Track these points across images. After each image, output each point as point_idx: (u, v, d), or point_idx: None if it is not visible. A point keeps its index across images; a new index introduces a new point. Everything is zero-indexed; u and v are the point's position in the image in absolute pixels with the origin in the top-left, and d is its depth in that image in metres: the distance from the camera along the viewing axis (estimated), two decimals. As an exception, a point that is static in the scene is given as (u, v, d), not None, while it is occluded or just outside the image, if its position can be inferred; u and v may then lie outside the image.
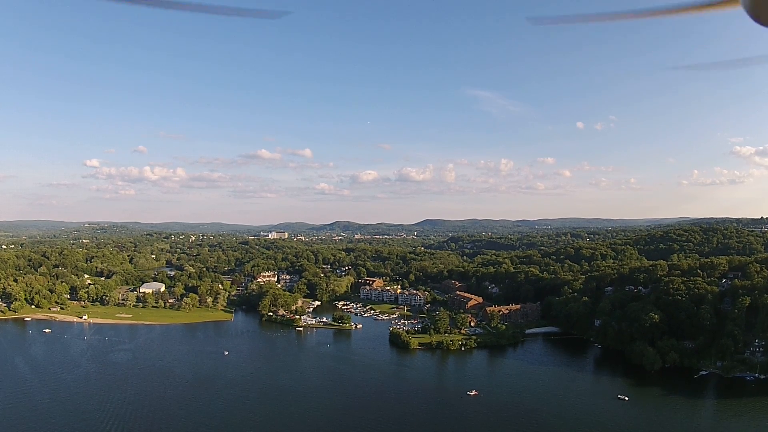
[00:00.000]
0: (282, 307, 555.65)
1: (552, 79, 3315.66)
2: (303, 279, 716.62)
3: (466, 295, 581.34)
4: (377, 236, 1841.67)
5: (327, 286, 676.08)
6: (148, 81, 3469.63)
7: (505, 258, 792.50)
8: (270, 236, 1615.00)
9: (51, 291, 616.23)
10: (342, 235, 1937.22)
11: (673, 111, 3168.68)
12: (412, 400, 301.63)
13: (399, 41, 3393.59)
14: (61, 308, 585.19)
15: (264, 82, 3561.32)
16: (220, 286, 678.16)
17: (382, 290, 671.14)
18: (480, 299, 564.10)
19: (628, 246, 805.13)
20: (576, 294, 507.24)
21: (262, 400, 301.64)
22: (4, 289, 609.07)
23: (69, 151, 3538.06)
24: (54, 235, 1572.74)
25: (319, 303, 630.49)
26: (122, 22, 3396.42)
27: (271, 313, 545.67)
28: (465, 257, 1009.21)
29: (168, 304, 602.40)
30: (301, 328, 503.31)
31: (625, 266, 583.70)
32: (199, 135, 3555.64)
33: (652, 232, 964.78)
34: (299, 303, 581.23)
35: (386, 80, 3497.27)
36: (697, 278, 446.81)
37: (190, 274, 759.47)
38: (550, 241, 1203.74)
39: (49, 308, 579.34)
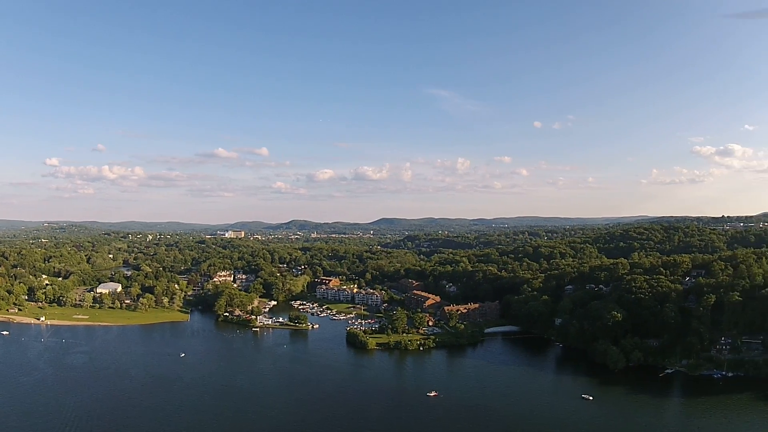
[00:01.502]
0: (238, 307, 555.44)
1: (509, 78, 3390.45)
2: (259, 278, 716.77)
3: (423, 294, 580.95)
4: (334, 235, 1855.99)
5: (283, 285, 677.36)
6: (108, 78, 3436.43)
7: (463, 257, 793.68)
8: (227, 235, 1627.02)
9: (9, 292, 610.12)
10: (298, 234, 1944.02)
11: (633, 111, 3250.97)
12: (370, 402, 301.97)
13: (357, 39, 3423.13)
14: (19, 309, 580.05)
15: (222, 79, 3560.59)
16: (176, 286, 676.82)
17: (338, 290, 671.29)
18: (438, 298, 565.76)
19: (587, 244, 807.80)
20: (536, 293, 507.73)
21: (219, 402, 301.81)
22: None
23: (30, 150, 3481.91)
24: (14, 235, 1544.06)
25: (275, 303, 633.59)
26: (83, 17, 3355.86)
27: (227, 314, 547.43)
28: (422, 256, 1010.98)
29: (124, 305, 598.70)
30: (258, 329, 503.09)
31: (585, 264, 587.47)
32: (159, 133, 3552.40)
33: (611, 231, 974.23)
34: (255, 303, 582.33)
35: (344, 78, 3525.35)
36: (660, 276, 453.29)
37: (146, 274, 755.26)
38: (508, 239, 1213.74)
39: (8, 310, 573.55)
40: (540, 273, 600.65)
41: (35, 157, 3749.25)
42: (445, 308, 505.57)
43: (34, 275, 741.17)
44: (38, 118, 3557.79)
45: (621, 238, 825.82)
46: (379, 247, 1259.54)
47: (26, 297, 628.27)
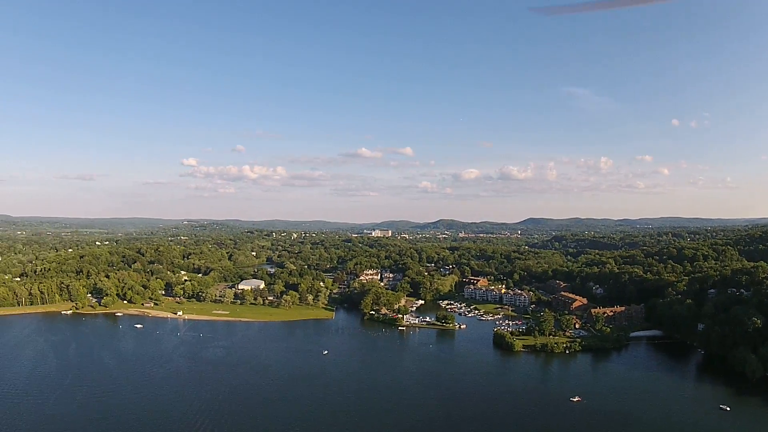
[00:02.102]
0: (384, 305, 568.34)
1: (643, 76, 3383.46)
2: (406, 277, 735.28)
3: (570, 295, 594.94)
4: (481, 235, 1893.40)
5: (431, 285, 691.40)
6: (244, 84, 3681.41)
7: (609, 258, 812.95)
8: (373, 234, 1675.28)
9: (144, 287, 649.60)
10: (446, 234, 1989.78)
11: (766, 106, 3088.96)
12: (513, 404, 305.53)
13: (494, 42, 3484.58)
14: (155, 304, 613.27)
15: (361, 84, 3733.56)
16: (321, 284, 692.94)
17: (486, 290, 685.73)
18: (584, 300, 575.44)
19: (728, 246, 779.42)
20: (679, 296, 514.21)
21: (360, 399, 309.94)
22: (95, 284, 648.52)
23: (166, 151, 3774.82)
24: (151, 233, 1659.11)
25: (422, 302, 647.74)
26: (215, 29, 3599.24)
27: (373, 312, 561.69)
28: (569, 257, 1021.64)
29: (267, 302, 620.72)
30: (404, 328, 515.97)
31: (727, 267, 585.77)
32: (296, 135, 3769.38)
33: (751, 233, 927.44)
34: (402, 302, 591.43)
35: (484, 81, 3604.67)
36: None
37: (291, 271, 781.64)
38: (652, 240, 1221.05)
39: (142, 304, 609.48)
40: (684, 275, 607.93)
41: (172, 158, 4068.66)
42: (592, 311, 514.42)
43: (172, 271, 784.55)
44: (174, 122, 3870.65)
45: (760, 240, 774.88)
46: (526, 247, 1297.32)
47: (163, 292, 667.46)
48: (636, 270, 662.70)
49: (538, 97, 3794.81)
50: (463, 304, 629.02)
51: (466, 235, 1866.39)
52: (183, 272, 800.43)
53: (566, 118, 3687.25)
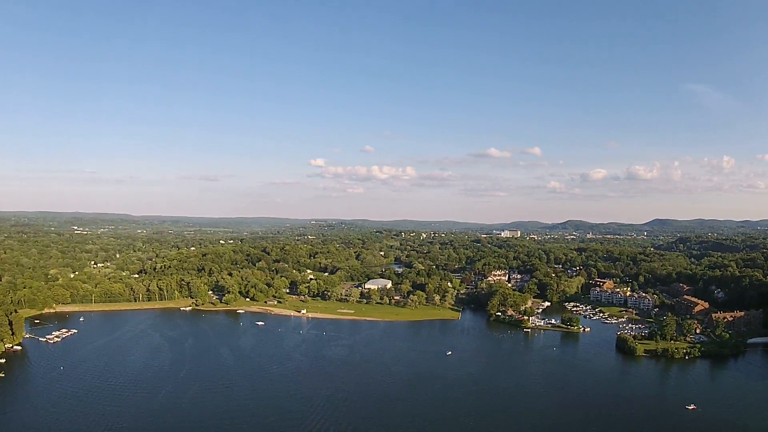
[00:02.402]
0: (511, 307, 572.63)
1: (763, 72, 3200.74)
2: (534, 279, 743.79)
3: (693, 299, 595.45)
4: (608, 236, 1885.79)
5: (557, 286, 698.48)
6: (370, 84, 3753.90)
7: (731, 261, 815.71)
8: (502, 235, 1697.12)
9: (269, 285, 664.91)
10: (574, 235, 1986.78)
11: None
12: (629, 410, 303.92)
13: (615, 42, 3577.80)
14: (279, 302, 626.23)
15: (488, 84, 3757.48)
16: (449, 284, 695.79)
17: (611, 292, 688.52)
18: (706, 304, 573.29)
19: None
20: None
21: (478, 402, 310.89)
22: (217, 282, 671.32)
23: (295, 152, 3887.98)
24: (277, 232, 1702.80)
25: (548, 304, 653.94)
26: (338, 29, 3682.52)
27: (499, 313, 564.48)
28: (692, 259, 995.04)
29: (393, 301, 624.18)
30: (529, 330, 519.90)
31: None
32: (425, 135, 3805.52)
33: None
34: (528, 303, 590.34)
35: (606, 80, 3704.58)
36: None
37: (419, 271, 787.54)
38: None
39: (265, 302, 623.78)
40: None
41: (299, 159, 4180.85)
42: (713, 315, 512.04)
43: (298, 270, 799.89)
44: (303, 123, 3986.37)
45: None
46: (652, 248, 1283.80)
47: (287, 291, 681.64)
48: (756, 274, 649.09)
49: (659, 95, 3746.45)
50: (588, 307, 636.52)
51: (594, 236, 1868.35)
52: (309, 271, 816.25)
53: (687, 116, 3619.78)
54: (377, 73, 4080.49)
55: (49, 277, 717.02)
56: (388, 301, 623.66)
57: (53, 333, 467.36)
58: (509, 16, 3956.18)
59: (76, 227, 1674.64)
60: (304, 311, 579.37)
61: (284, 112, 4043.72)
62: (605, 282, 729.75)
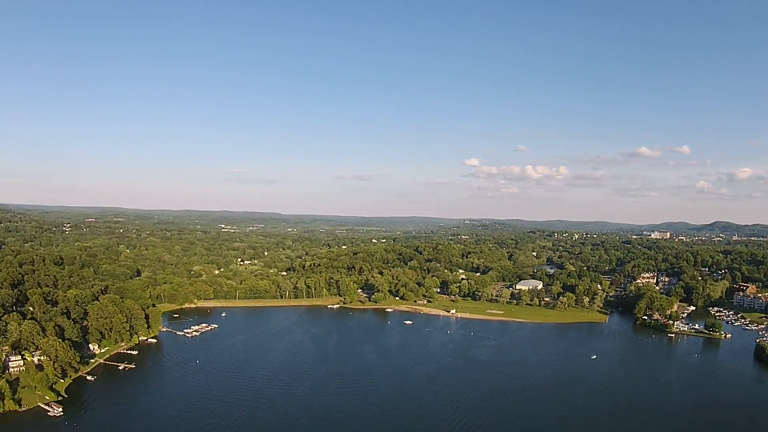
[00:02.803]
0: (657, 310, 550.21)
1: None
2: (680, 282, 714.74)
3: None
4: (753, 238, 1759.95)
5: (703, 290, 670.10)
6: (523, 82, 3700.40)
7: None
8: (652, 236, 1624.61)
9: (419, 284, 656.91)
10: (720, 237, 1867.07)
11: None
12: (753, 421, 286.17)
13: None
14: (429, 301, 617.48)
15: (639, 79, 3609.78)
16: (598, 286, 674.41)
17: (754, 297, 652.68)
18: None
19: None
20: None
21: (615, 407, 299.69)
22: (367, 281, 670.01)
23: (449, 151, 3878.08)
24: (431, 231, 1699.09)
25: (693, 308, 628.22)
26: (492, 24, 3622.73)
27: (645, 317, 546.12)
28: None
29: (543, 303, 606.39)
30: (673, 335, 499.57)
31: None
32: (577, 134, 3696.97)
33: None
34: (674, 307, 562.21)
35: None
36: None
37: (569, 272, 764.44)
38: None
39: (415, 301, 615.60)
40: None
41: (454, 159, 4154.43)
42: None
43: (450, 269, 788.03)
44: (458, 122, 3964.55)
45: None
46: None
47: (438, 290, 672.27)
48: None
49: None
50: (731, 312, 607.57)
51: (739, 239, 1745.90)
52: (461, 271, 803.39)
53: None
54: (532, 69, 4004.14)
55: (192, 273, 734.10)
56: (537, 303, 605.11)
57: (192, 327, 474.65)
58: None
59: (223, 225, 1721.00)
60: (453, 311, 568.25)
61: (439, 111, 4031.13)
62: (748, 286, 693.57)
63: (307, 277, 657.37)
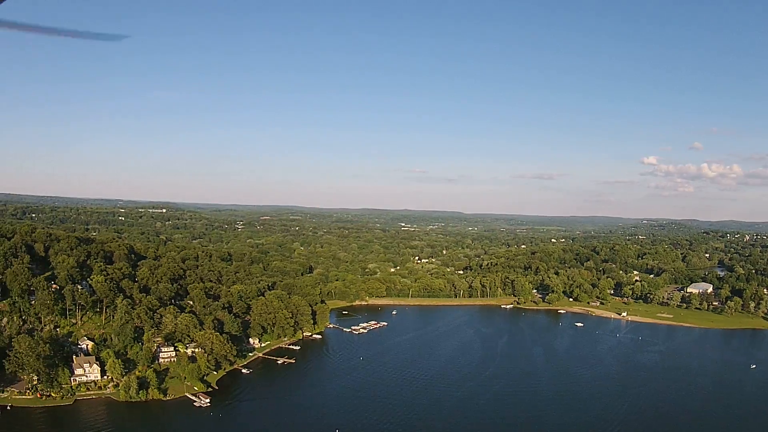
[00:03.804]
0: None
1: None
2: None
3: None
4: None
5: None
6: (681, 78, 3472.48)
7: None
8: None
9: (593, 285, 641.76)
10: None
11: None
12: None
13: None
14: (601, 303, 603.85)
15: None
16: (765, 291, 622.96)
17: None
18: None
19: None
20: None
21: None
22: (542, 281, 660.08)
23: (625, 149, 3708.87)
24: (609, 231, 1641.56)
25: None
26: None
27: None
28: None
29: (711, 307, 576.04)
30: None
31: None
32: (752, 130, 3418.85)
33: None
34: None
35: None
36: None
37: (738, 276, 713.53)
38: None
39: (588, 302, 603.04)
40: None
41: (632, 157, 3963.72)
42: None
43: (624, 271, 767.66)
44: (636, 119, 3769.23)
45: None
46: None
47: (611, 292, 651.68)
48: None
49: None
50: None
51: None
52: (635, 272, 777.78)
53: None
54: (712, 70, 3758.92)
55: (366, 271, 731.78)
56: (706, 307, 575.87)
57: (360, 324, 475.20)
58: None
59: (403, 224, 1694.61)
60: (624, 314, 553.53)
61: (617, 109, 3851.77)
62: None
63: (483, 277, 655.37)
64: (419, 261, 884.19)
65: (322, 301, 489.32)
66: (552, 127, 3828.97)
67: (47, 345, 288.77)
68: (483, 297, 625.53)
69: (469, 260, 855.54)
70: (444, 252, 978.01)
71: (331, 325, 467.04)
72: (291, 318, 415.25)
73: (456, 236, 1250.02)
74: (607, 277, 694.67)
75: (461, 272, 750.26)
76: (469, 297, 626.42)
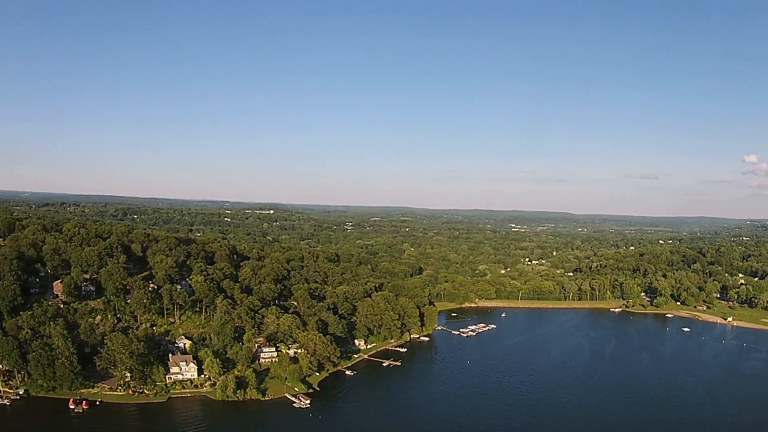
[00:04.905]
0: None
1: None
2: None
3: None
4: None
5: None
6: None
7: None
8: None
9: (700, 289, 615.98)
10: None
11: None
12: None
13: None
14: (708, 307, 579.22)
15: None
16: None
17: None
18: None
19: None
20: None
21: None
22: (650, 284, 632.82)
23: (726, 148, 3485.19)
24: (715, 232, 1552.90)
25: None
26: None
27: None
28: None
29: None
30: None
31: None
32: None
33: None
34: None
35: None
36: None
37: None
38: None
39: (695, 306, 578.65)
40: None
41: (733, 155, 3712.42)
42: None
43: (730, 273, 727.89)
44: (735, 117, 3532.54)
45: None
46: None
47: (717, 295, 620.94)
48: None
49: None
50: None
51: None
52: (740, 275, 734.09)
53: None
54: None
55: (476, 272, 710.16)
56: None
57: (468, 327, 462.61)
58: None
59: (513, 225, 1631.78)
60: (730, 318, 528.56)
61: (715, 107, 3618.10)
62: None
63: (592, 279, 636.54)
64: (529, 263, 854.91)
65: (431, 303, 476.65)
66: (657, 127, 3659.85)
67: (141, 343, 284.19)
68: (592, 300, 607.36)
69: (578, 262, 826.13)
70: (554, 253, 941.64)
71: (439, 327, 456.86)
72: (398, 320, 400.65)
73: (565, 237, 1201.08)
74: (713, 281, 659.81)
75: (570, 274, 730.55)
76: (578, 300, 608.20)
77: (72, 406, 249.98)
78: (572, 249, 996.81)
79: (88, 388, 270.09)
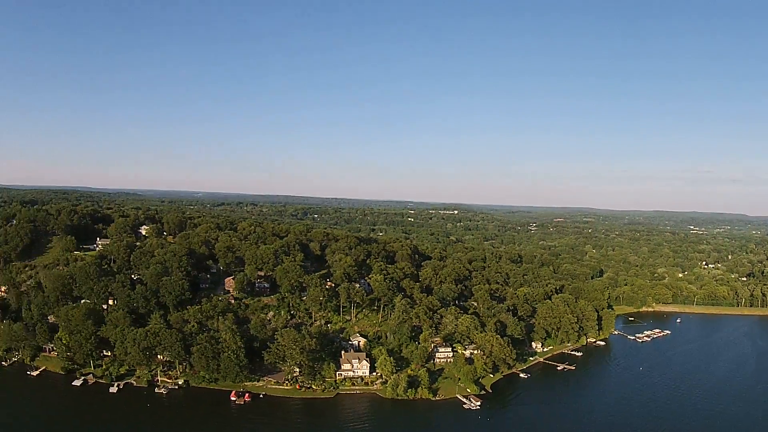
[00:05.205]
0: None
1: None
2: None
3: None
4: None
5: None
6: None
7: None
8: None
9: None
10: None
11: None
12: None
13: None
14: None
15: None
16: None
17: None
18: None
19: None
20: None
21: None
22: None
23: None
24: None
25: None
26: None
27: None
28: None
29: None
30: None
31: None
32: None
33: None
34: None
35: None
36: None
37: None
38: None
39: None
40: None
41: None
42: None
43: None
44: None
45: None
46: None
47: None
48: None
49: None
50: None
51: None
52: None
53: None
54: None
55: (654, 275, 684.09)
56: None
57: (644, 332, 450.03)
58: None
59: (692, 227, 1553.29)
60: None
61: None
62: None
63: (764, 284, 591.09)
64: (705, 266, 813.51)
65: (610, 306, 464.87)
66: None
67: (314, 339, 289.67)
68: (764, 307, 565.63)
69: (752, 266, 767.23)
70: (729, 257, 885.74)
71: (615, 332, 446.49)
72: (576, 323, 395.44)
73: (740, 240, 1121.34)
74: None
75: (744, 279, 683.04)
76: (750, 306, 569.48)
77: (234, 398, 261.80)
78: (746, 252, 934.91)
79: (253, 382, 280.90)
